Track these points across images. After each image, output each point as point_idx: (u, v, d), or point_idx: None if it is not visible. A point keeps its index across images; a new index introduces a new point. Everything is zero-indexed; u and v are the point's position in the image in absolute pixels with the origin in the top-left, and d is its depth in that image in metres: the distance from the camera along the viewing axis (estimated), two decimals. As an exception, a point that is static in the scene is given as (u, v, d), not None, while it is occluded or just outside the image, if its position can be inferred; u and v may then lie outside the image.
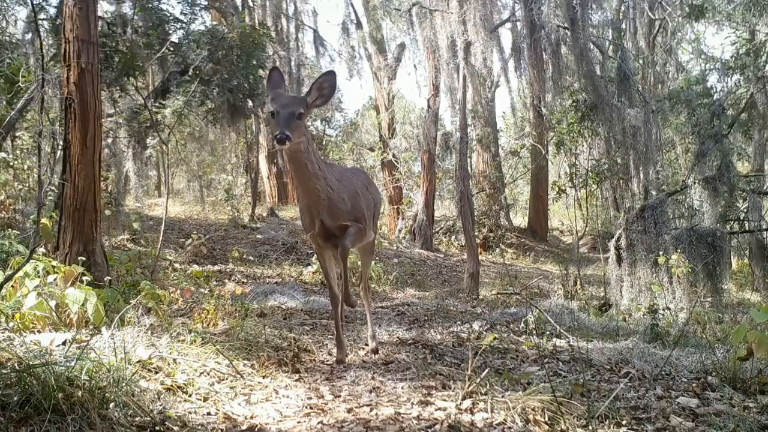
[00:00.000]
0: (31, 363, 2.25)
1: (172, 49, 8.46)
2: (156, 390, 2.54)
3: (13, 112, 7.06)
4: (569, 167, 11.27)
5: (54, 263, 3.75)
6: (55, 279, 3.60)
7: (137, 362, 2.67)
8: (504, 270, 10.85)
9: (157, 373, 2.73)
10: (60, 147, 5.12)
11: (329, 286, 3.72)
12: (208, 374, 2.90)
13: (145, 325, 3.27)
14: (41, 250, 4.07)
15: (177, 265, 7.30)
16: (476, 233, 11.76)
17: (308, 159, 3.23)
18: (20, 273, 3.32)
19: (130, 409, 2.25)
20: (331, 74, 3.36)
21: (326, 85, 3.27)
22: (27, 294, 3.34)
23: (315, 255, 4.38)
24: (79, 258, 4.10)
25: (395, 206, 14.83)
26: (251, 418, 2.49)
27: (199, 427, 2.32)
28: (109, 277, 4.33)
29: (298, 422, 2.47)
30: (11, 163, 8.14)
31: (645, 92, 9.86)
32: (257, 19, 12.69)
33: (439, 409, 2.66)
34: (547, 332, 4.76)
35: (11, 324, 3.23)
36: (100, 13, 6.84)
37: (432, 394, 2.91)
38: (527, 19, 9.90)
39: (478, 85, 12.89)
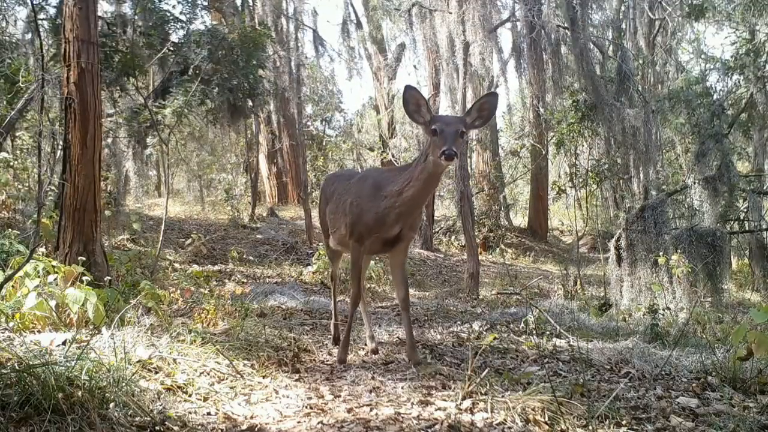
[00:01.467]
0: (31, 363, 2.25)
1: (172, 49, 8.45)
2: (156, 390, 2.54)
3: (13, 112, 7.06)
4: (569, 167, 11.28)
5: (54, 263, 3.75)
6: (55, 279, 3.60)
7: (137, 362, 2.67)
8: (504, 270, 10.84)
9: (157, 373, 2.73)
10: (60, 147, 5.12)
11: (358, 286, 3.71)
12: (208, 374, 2.90)
13: (145, 325, 3.27)
14: (41, 250, 4.08)
15: (177, 265, 7.30)
16: (476, 233, 11.75)
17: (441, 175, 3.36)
18: (20, 273, 3.32)
19: (130, 409, 2.25)
20: (494, 96, 3.39)
21: (487, 107, 3.28)
22: (27, 294, 3.34)
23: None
24: (79, 258, 4.10)
25: (395, 206, 14.78)
26: (251, 418, 2.49)
27: (199, 427, 2.32)
28: (109, 277, 4.33)
29: (298, 422, 2.47)
30: (11, 163, 8.14)
31: (645, 92, 9.86)
32: (257, 19, 12.68)
33: (439, 409, 2.66)
34: (547, 332, 4.75)
35: (11, 324, 3.23)
36: (100, 13, 6.84)
37: (432, 394, 2.91)
38: (527, 19, 9.89)
39: (477, 85, 12.88)
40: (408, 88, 3.23)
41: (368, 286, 6.05)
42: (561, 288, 8.35)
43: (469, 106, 10.85)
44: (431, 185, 3.41)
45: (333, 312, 4.27)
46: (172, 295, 4.36)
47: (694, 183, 7.81)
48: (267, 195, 16.17)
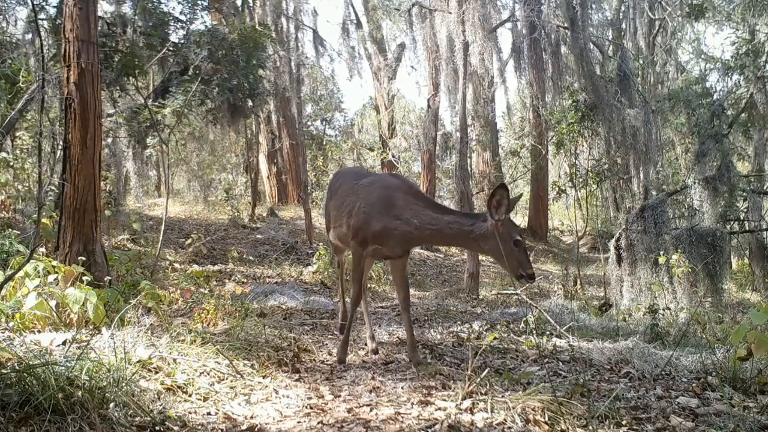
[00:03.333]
0: (31, 363, 2.25)
1: (172, 49, 8.46)
2: (156, 390, 2.54)
3: (13, 112, 7.06)
4: (569, 167, 11.28)
5: (54, 263, 3.75)
6: (55, 279, 3.60)
7: (137, 362, 2.67)
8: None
9: (157, 373, 2.73)
10: (60, 147, 5.13)
11: (358, 288, 3.75)
12: (208, 374, 2.89)
13: (145, 325, 3.27)
14: (41, 250, 4.08)
15: (177, 265, 7.30)
16: (476, 233, 11.71)
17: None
18: (20, 273, 3.32)
19: (130, 409, 2.25)
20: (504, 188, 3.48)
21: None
22: (27, 294, 3.34)
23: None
24: (79, 258, 4.10)
25: (395, 206, 14.77)
26: (251, 418, 2.49)
27: (199, 427, 2.31)
28: (109, 277, 4.33)
29: (298, 422, 2.47)
30: (11, 163, 8.14)
31: (645, 92, 9.86)
32: (257, 19, 12.68)
33: (439, 409, 2.66)
34: (547, 332, 4.75)
35: (11, 324, 3.23)
36: (100, 13, 6.84)
37: (432, 394, 2.91)
38: (527, 19, 9.90)
39: (477, 85, 12.88)
40: (503, 187, 3.31)
41: (369, 286, 6.05)
42: (561, 288, 8.35)
43: (469, 105, 10.79)
44: (453, 243, 3.56)
45: (340, 295, 4.30)
46: (172, 295, 4.36)
47: (694, 183, 7.81)
48: (267, 195, 16.16)
